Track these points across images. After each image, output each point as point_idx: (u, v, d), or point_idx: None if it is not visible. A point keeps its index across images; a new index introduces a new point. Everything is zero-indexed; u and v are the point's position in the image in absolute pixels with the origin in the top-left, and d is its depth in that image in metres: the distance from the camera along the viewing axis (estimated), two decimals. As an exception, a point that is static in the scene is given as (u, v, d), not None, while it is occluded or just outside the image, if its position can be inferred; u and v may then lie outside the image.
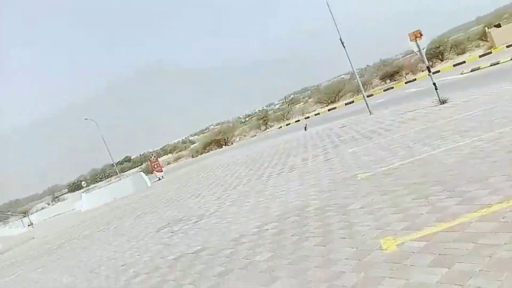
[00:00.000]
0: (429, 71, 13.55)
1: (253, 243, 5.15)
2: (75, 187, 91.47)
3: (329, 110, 39.71)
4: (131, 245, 7.86)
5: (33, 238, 17.09)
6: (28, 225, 29.63)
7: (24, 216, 35.31)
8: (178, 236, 7.18)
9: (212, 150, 52.57)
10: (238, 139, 53.95)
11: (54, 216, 36.70)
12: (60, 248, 11.19)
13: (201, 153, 54.41)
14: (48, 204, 75.44)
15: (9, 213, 40.83)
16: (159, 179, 29.12)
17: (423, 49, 12.81)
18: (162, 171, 30.93)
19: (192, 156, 58.09)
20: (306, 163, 10.28)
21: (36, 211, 52.71)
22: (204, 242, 6.08)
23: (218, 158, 27.37)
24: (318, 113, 40.81)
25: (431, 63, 29.88)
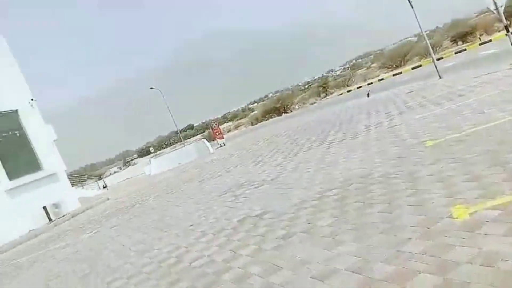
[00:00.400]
0: (507, 31, 12.40)
1: (315, 208, 5.19)
2: (144, 152, 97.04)
3: (394, 75, 37.95)
4: (197, 207, 8.25)
5: (108, 199, 18.50)
6: (103, 187, 32.08)
7: (99, 179, 38.24)
8: (241, 200, 7.41)
9: (271, 118, 52.73)
10: (297, 107, 53.53)
11: (126, 179, 39.32)
12: (133, 208, 12.03)
13: (261, 121, 54.86)
14: (120, 168, 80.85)
15: (86, 176, 44.35)
16: (221, 145, 29.89)
17: (500, 6, 11.69)
18: (223, 138, 31.66)
19: (252, 124, 58.76)
20: (370, 130, 10.00)
21: (110, 174, 56.72)
22: (266, 206, 6.23)
23: (277, 126, 27.47)
24: (382, 79, 39.19)
25: (509, 22, 27.25)
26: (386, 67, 46.90)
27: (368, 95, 21.49)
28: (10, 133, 16.49)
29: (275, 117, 52.26)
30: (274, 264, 3.90)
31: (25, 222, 14.98)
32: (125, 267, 5.78)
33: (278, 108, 54.24)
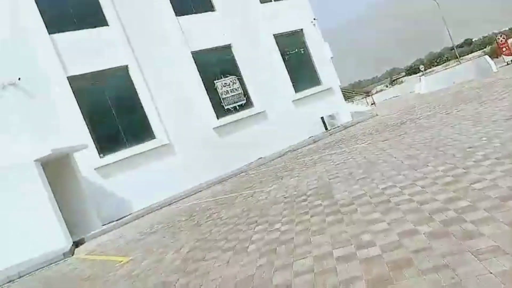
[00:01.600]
0: None
1: None
2: (412, 71, 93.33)
3: None
4: (477, 130, 7.63)
5: (376, 115, 19.16)
6: (371, 104, 33.17)
7: (367, 96, 39.56)
8: (536, 126, 6.38)
9: None
10: None
11: (393, 97, 39.25)
12: (403, 125, 12.12)
13: None
14: (387, 86, 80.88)
15: (354, 92, 46.64)
16: (508, 63, 25.52)
17: None
18: (511, 55, 26.78)
19: (557, 36, 46.77)
20: None
21: (376, 92, 57.70)
22: None
23: None
24: None
25: None
26: None
27: None
28: (296, 50, 18.85)
29: None
30: None
31: (306, 129, 17.47)
32: (398, 178, 6.12)
33: None
